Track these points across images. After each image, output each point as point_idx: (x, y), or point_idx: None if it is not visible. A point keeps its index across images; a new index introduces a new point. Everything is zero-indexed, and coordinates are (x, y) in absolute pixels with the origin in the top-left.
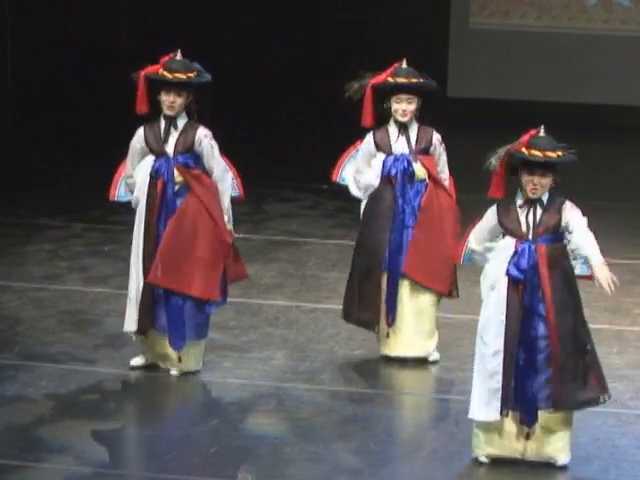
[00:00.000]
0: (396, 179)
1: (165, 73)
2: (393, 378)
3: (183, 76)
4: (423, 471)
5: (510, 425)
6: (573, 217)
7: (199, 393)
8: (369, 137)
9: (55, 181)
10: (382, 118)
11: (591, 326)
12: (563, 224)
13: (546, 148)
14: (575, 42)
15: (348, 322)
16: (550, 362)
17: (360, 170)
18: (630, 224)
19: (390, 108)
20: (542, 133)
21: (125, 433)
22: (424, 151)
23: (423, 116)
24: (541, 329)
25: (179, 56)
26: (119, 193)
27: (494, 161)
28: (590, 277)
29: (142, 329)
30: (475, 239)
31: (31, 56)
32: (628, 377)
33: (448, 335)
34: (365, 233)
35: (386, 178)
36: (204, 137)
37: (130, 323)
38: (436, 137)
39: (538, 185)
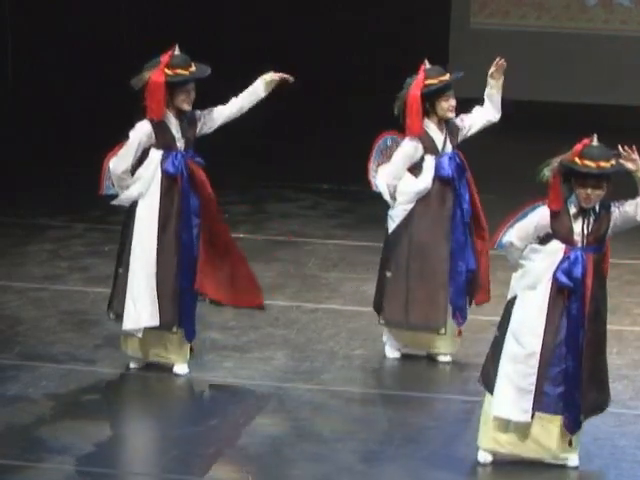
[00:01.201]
0: (454, 178)
1: (181, 71)
2: (393, 378)
3: (194, 69)
4: (423, 471)
5: (535, 427)
6: (620, 209)
7: (199, 393)
8: (415, 142)
9: (55, 181)
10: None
11: None
12: (612, 224)
13: (600, 158)
14: (575, 42)
15: (394, 328)
16: (583, 369)
17: (399, 176)
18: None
19: (434, 109)
20: (595, 142)
21: (125, 433)
22: (458, 141)
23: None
24: (582, 336)
25: (177, 51)
26: (106, 185)
27: (547, 172)
28: None
29: (169, 324)
30: (518, 236)
31: (31, 56)
32: (628, 377)
33: None
34: (416, 236)
35: (441, 178)
36: (199, 110)
37: (136, 320)
38: (457, 121)
39: (592, 195)
